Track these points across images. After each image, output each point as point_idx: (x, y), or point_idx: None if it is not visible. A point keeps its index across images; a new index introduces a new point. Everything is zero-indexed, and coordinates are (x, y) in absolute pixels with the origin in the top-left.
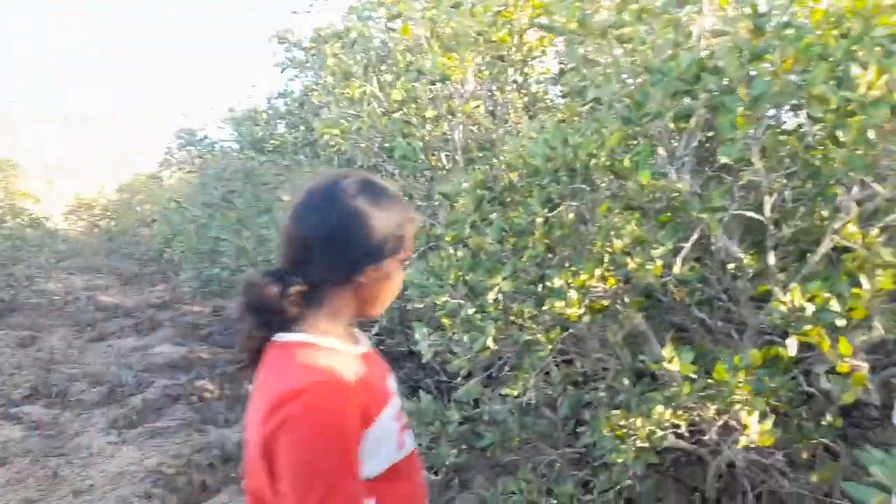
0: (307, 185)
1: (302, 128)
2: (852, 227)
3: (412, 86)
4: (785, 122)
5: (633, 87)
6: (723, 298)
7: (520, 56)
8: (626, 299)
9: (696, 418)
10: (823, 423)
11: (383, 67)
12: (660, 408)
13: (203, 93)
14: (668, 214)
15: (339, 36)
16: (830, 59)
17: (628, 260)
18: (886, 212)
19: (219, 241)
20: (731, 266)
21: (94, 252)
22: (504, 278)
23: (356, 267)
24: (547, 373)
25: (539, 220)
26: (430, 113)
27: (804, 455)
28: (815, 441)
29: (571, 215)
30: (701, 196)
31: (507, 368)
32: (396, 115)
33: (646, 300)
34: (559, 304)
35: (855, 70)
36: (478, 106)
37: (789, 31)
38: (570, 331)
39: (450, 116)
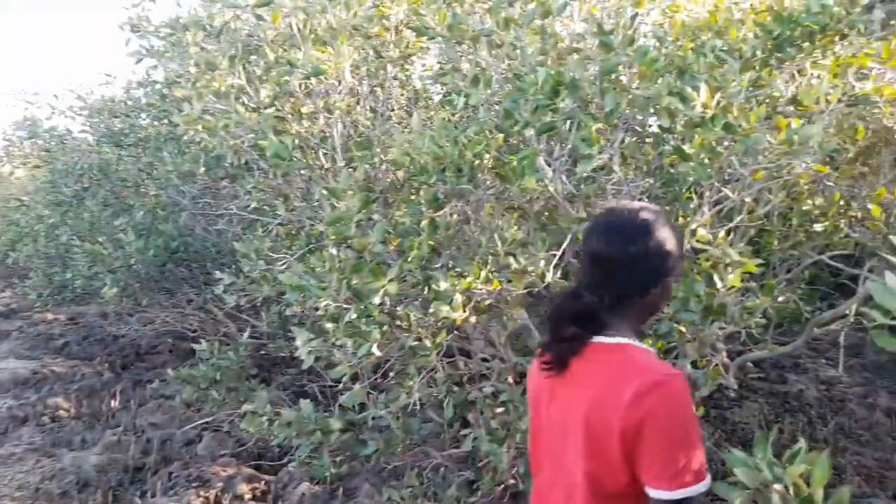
0: (608, 213)
1: (166, 121)
2: (702, 231)
3: (285, 80)
4: (651, 126)
5: (502, 94)
6: None
7: (399, 53)
8: (510, 299)
9: None
10: None
11: (252, 59)
12: None
13: (49, 80)
14: (545, 217)
15: (203, 25)
16: (686, 71)
17: (511, 261)
18: (740, 212)
19: (71, 244)
20: None
21: None
22: (390, 281)
23: (651, 282)
24: (434, 373)
25: (425, 220)
26: (305, 109)
27: None
28: None
29: (455, 216)
30: (576, 196)
31: (392, 374)
32: (268, 110)
33: (529, 296)
34: (445, 308)
35: (689, 90)
36: (357, 102)
37: (634, 47)
38: (456, 332)
39: (327, 113)
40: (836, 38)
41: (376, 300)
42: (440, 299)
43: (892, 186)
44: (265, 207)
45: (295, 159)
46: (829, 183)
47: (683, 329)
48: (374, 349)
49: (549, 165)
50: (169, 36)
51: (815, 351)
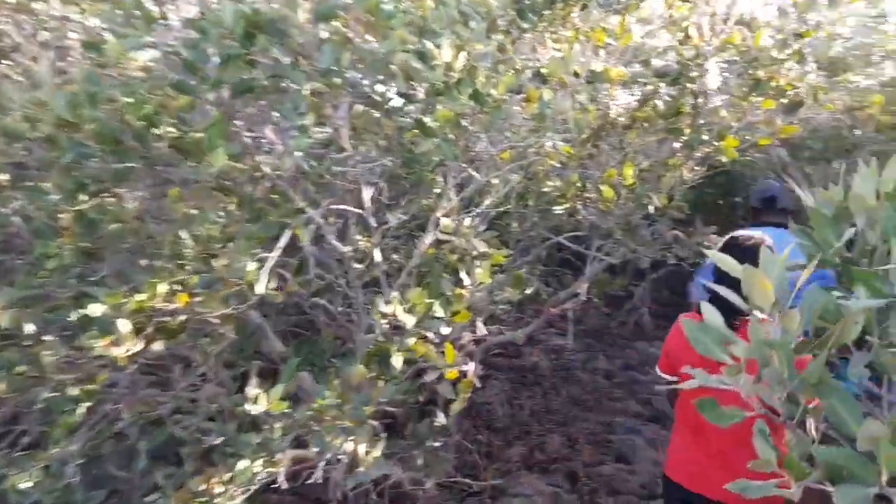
0: None
1: None
2: (445, 220)
3: None
4: (392, 99)
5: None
6: (341, 283)
7: None
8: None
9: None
10: (436, 424)
11: None
12: (244, 463)
13: None
14: (259, 208)
15: None
16: (426, 30)
17: (214, 263)
18: (483, 195)
19: None
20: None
21: None
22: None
23: None
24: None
25: (67, 214)
26: None
27: (419, 454)
28: (429, 444)
29: (133, 205)
30: (308, 175)
31: (26, 437)
32: None
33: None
34: (102, 341)
35: (430, 45)
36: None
37: None
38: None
39: None
40: (577, 9)
41: None
42: (96, 328)
43: (619, 168)
44: None
45: None
46: (557, 165)
47: (427, 344)
48: None
49: (278, 139)
50: None
51: (545, 322)
